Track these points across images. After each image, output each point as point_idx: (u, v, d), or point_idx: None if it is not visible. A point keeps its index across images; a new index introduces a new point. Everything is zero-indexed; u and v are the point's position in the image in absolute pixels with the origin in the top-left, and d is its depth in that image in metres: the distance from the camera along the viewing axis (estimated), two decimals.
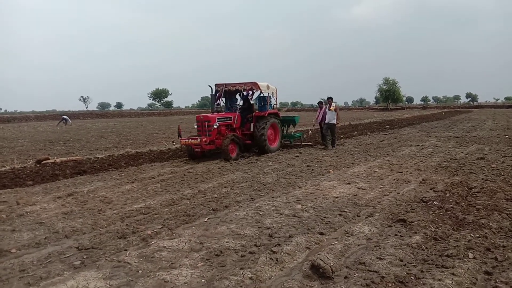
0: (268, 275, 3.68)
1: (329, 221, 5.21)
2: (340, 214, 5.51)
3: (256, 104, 13.55)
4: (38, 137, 22.01)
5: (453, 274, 3.57)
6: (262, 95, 13.21)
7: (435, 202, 5.97)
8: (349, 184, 7.50)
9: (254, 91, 13.04)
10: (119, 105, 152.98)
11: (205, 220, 5.45)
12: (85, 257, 4.21)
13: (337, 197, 6.52)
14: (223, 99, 13.38)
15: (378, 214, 5.52)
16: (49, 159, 11.63)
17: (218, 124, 11.34)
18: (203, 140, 10.85)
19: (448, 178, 7.80)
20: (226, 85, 12.81)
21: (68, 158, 12.08)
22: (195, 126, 11.77)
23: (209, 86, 12.65)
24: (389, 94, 71.19)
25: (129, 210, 6.02)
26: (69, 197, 6.97)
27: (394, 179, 7.84)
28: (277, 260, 4.00)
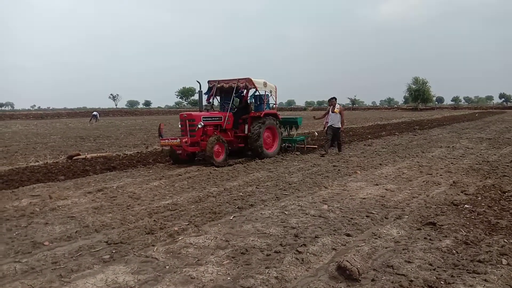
0: (294, 275, 3.66)
1: (356, 223, 5.13)
2: (367, 216, 5.42)
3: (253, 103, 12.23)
4: (69, 134, 22.71)
5: (485, 280, 3.45)
6: (257, 93, 11.82)
7: (466, 206, 5.79)
8: (377, 185, 7.38)
9: (248, 88, 11.50)
10: (147, 103, 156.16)
11: (231, 218, 5.48)
12: (114, 251, 4.30)
13: (364, 198, 6.42)
14: (218, 98, 12.16)
15: (407, 216, 5.40)
16: (80, 155, 12.00)
17: (203, 124, 10.23)
18: (184, 140, 9.74)
19: (480, 181, 7.55)
20: (219, 81, 11.59)
21: (98, 154, 12.42)
22: (179, 126, 10.70)
23: (197, 82, 11.31)
24: (419, 94, 69.79)
25: (156, 206, 6.12)
26: (99, 193, 7.15)
27: (423, 181, 7.65)
28: (302, 260, 3.97)
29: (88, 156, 11.89)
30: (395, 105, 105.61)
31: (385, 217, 5.39)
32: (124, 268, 3.86)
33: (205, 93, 11.81)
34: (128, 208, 6.07)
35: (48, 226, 5.26)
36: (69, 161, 11.29)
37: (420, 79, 70.91)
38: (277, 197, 6.59)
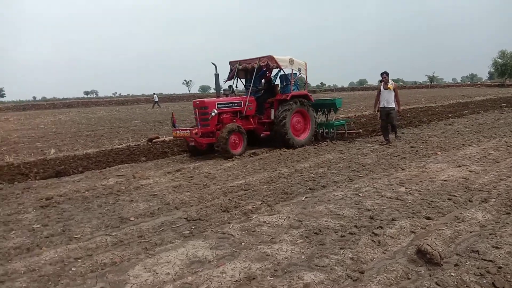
0: (370, 257, 3.58)
1: (436, 206, 4.86)
2: (449, 199, 5.10)
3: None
4: (148, 118, 24.08)
5: None
6: (282, 72, 10.49)
7: None
8: (460, 167, 6.90)
9: (271, 67, 10.27)
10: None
11: (303, 198, 5.48)
12: (193, 227, 4.53)
13: (445, 180, 6.04)
14: (243, 80, 10.92)
15: (494, 200, 4.99)
16: (159, 138, 12.70)
17: (216, 111, 9.12)
18: (193, 132, 8.77)
19: None
20: (240, 62, 10.47)
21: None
22: (194, 115, 9.73)
23: (213, 63, 9.86)
24: (506, 69, 63.46)
25: (231, 186, 6.31)
26: (178, 173, 7.54)
27: None
28: (379, 242, 3.86)
29: (166, 139, 12.54)
30: (479, 82, 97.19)
31: (469, 200, 5.04)
32: (203, 243, 4.05)
33: (227, 77, 10.95)
34: (204, 187, 6.34)
35: (133, 203, 5.68)
36: (149, 143, 12.02)
37: (508, 53, 64.37)
38: (350, 179, 6.45)
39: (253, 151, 9.65)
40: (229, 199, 5.53)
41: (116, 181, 7.11)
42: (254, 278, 3.26)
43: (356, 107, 24.98)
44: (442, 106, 21.67)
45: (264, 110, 10.44)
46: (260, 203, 5.33)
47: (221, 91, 10.34)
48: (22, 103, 70.56)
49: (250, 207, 5.12)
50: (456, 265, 3.32)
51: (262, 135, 10.31)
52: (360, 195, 5.50)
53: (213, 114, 9.04)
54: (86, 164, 8.95)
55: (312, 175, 6.83)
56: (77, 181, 7.36)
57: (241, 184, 6.43)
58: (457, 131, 11.35)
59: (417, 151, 8.58)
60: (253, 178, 6.84)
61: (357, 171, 6.97)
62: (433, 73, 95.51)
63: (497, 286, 2.98)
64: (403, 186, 5.82)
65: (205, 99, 9.52)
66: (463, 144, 9.12)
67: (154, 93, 45.37)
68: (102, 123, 22.47)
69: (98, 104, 61.11)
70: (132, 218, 4.98)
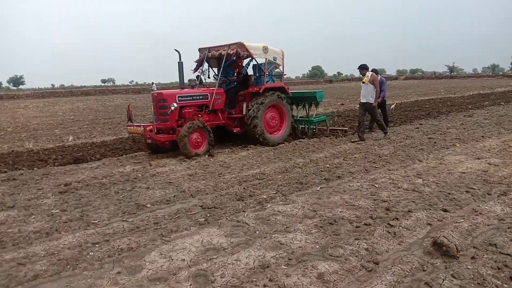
0: (385, 248, 3.56)
1: (454, 198, 4.80)
2: (467, 191, 5.03)
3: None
4: None
5: None
6: (254, 62, 9.46)
7: None
8: (479, 159, 6.77)
9: (241, 56, 9.08)
10: None
11: (318, 189, 5.46)
12: (208, 215, 4.57)
13: (464, 172, 5.95)
14: (214, 70, 9.84)
15: None
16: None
17: (176, 105, 8.01)
18: (148, 128, 7.87)
19: None
20: (209, 49, 9.40)
21: None
22: (153, 108, 8.84)
23: (176, 50, 8.83)
24: None
25: (245, 175, 6.33)
26: (193, 161, 7.58)
27: None
28: (394, 234, 3.84)
29: None
30: (501, 73, 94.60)
31: (487, 193, 4.96)
32: (217, 231, 4.09)
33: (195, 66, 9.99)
34: (219, 176, 6.38)
35: (149, 190, 5.74)
36: None
37: None
38: (366, 170, 6.40)
39: None
40: (243, 188, 5.55)
41: (133, 168, 7.19)
42: (268, 266, 3.27)
43: None
44: (461, 97, 21.24)
45: (236, 104, 9.47)
46: (274, 192, 5.34)
47: (186, 81, 9.27)
48: (41, 91, 71.61)
49: (264, 196, 5.14)
50: (472, 258, 3.28)
51: (234, 131, 9.32)
52: (376, 186, 5.46)
53: (172, 108, 7.96)
54: (103, 151, 9.08)
55: (328, 165, 6.80)
56: (94, 168, 7.48)
57: (256, 173, 6.45)
58: (477, 123, 11.13)
59: (435, 142, 8.45)
60: (268, 167, 6.85)
61: (374, 162, 6.91)
62: (453, 63, 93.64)
63: None
64: (420, 178, 5.75)
65: (163, 91, 8.66)
66: (483, 136, 8.94)
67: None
68: (119, 111, 22.69)
69: (115, 92, 61.51)
70: (148, 205, 5.04)
